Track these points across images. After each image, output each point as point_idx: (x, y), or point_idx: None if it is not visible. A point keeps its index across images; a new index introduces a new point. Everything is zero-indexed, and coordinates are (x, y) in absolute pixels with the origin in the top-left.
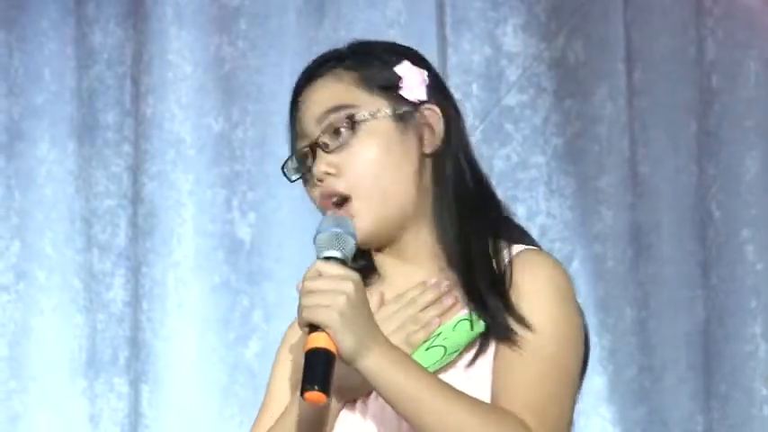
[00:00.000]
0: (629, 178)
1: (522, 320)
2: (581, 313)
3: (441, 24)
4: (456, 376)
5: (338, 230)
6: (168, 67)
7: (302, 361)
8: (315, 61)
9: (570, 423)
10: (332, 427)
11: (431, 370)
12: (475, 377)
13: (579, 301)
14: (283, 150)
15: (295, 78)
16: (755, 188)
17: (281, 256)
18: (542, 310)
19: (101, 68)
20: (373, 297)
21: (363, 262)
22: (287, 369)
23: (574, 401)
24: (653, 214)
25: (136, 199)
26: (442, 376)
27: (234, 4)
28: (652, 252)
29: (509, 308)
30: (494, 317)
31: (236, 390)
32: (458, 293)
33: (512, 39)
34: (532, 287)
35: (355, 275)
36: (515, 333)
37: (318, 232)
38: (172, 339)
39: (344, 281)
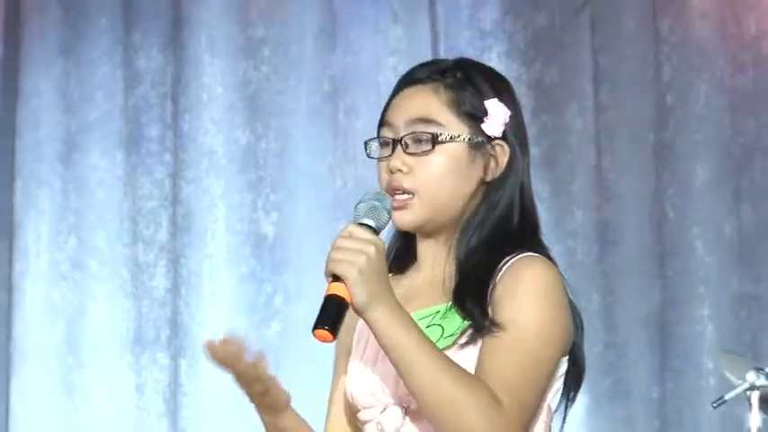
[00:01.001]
0: (597, 183)
1: (493, 321)
2: (569, 309)
3: (435, 51)
4: (449, 355)
5: (377, 204)
6: (203, 88)
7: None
8: (424, 65)
9: (539, 405)
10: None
11: None
12: (463, 361)
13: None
14: (300, 160)
15: (312, 98)
16: (704, 193)
17: (299, 250)
18: (521, 308)
19: (145, 89)
20: (406, 279)
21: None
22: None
23: (545, 387)
24: (617, 214)
25: (175, 201)
26: None
27: (258, 34)
28: (616, 247)
29: (484, 310)
30: (471, 316)
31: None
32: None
33: (496, 63)
34: (514, 288)
35: (380, 243)
36: (491, 330)
37: (360, 201)
38: (206, 321)
39: (369, 244)
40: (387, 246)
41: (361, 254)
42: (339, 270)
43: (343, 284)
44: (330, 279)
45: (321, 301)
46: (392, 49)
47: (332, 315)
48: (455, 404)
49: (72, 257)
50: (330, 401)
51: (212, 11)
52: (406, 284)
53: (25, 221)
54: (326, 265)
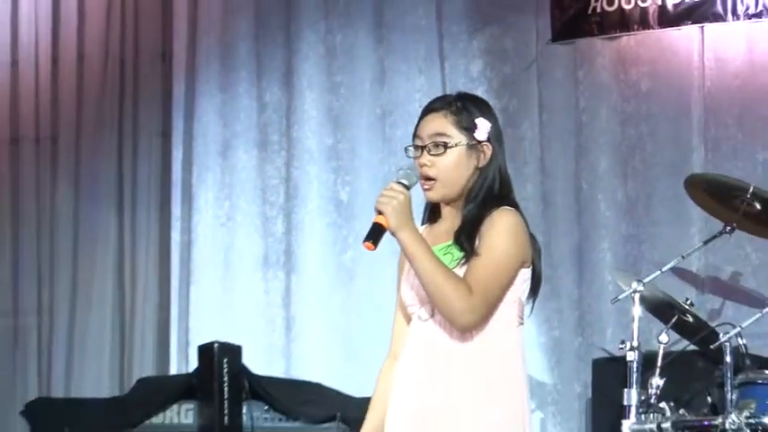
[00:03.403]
0: (540, 168)
1: (475, 251)
2: (529, 241)
3: (443, 89)
4: (454, 270)
5: (410, 172)
6: (304, 112)
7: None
8: (437, 99)
9: (498, 301)
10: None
11: None
12: (461, 273)
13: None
14: (362, 155)
15: (369, 118)
16: (605, 174)
17: (362, 209)
18: (492, 240)
19: (269, 112)
20: (435, 227)
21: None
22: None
23: (506, 284)
24: (553, 187)
25: (288, 179)
26: None
27: (338, 79)
28: (551, 206)
29: (471, 245)
30: (464, 248)
31: (340, 275)
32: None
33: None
34: (490, 227)
35: (407, 193)
36: (475, 254)
37: (400, 169)
38: (306, 252)
39: (400, 194)
40: (424, 206)
41: (394, 198)
42: (380, 206)
43: (383, 216)
44: (376, 212)
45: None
46: (418, 89)
47: (374, 234)
48: (444, 290)
49: (226, 213)
50: (396, 303)
51: (310, 64)
52: (435, 230)
53: (198, 191)
54: (375, 203)
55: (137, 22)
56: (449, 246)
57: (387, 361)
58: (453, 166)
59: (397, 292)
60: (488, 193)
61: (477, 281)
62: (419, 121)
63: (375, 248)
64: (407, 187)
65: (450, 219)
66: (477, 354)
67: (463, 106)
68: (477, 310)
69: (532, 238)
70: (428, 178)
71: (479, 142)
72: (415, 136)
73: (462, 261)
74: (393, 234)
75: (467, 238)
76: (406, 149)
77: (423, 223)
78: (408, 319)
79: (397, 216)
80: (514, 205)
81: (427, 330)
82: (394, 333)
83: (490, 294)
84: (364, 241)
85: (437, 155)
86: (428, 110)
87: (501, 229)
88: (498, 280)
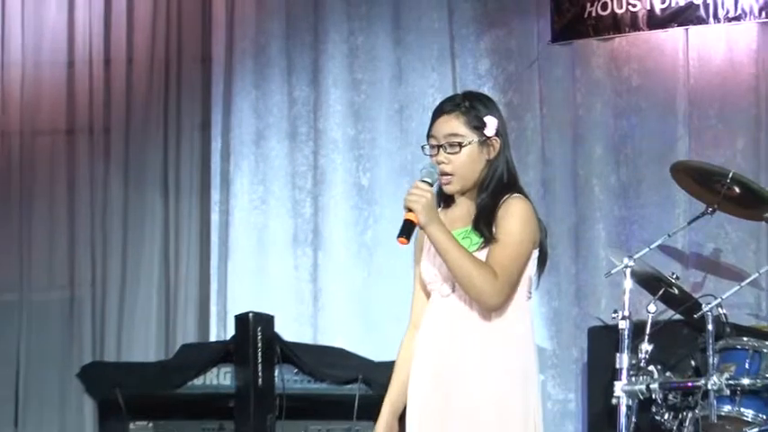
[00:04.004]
0: (541, 156)
1: (494, 237)
2: (540, 229)
3: (454, 87)
4: (474, 254)
5: (431, 170)
6: (330, 106)
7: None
8: (448, 100)
9: (518, 281)
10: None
11: None
12: (480, 257)
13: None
14: (382, 145)
15: (388, 112)
16: (599, 161)
17: (381, 194)
18: (509, 226)
19: (299, 107)
20: (449, 212)
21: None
22: (417, 250)
23: (523, 267)
24: (552, 175)
25: (315, 166)
26: None
27: (359, 77)
28: (551, 191)
29: (490, 231)
30: (483, 234)
31: (361, 253)
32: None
33: (486, 92)
34: (505, 215)
35: (432, 191)
36: (493, 240)
37: (423, 168)
38: (332, 231)
39: (427, 192)
40: (436, 192)
41: (423, 197)
42: (411, 204)
43: (413, 213)
44: (406, 210)
45: (401, 222)
46: (431, 85)
47: (406, 230)
48: (472, 275)
49: (260, 197)
50: (414, 280)
51: (335, 63)
52: (449, 215)
53: (234, 177)
54: (405, 202)
55: (180, 27)
56: (468, 231)
57: (408, 331)
58: (468, 162)
59: (415, 269)
60: (498, 183)
61: (500, 265)
62: (433, 123)
63: (408, 243)
64: (431, 184)
65: (464, 205)
66: (494, 325)
67: (471, 105)
68: (504, 292)
69: (539, 220)
70: (445, 173)
71: (488, 138)
72: (429, 136)
73: (482, 245)
74: (422, 228)
75: (485, 225)
76: (422, 148)
77: (437, 206)
78: (428, 294)
79: (426, 213)
80: (522, 192)
81: (449, 305)
82: (414, 305)
83: (512, 277)
84: (398, 237)
85: (453, 153)
86: (440, 112)
87: (516, 217)
88: (518, 263)
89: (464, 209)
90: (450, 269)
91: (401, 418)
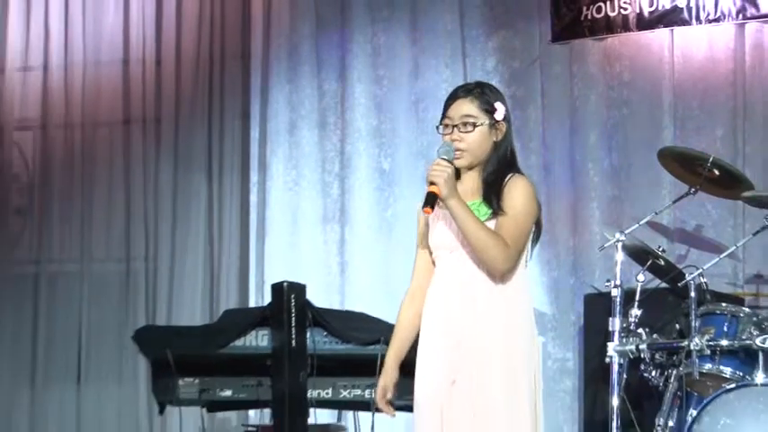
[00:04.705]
0: (541, 143)
1: (502, 209)
2: (537, 204)
3: (465, 80)
4: (485, 223)
5: (448, 148)
6: (354, 99)
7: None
8: (460, 87)
9: (525, 249)
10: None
11: None
12: (491, 227)
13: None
14: (401, 132)
15: (406, 103)
16: (594, 147)
17: (400, 176)
18: (515, 201)
19: (328, 99)
20: (458, 186)
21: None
22: (420, 224)
23: (527, 238)
24: (551, 159)
25: (342, 152)
26: None
27: (380, 73)
28: (549, 174)
29: (498, 204)
30: (492, 206)
31: (383, 229)
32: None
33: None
34: (511, 191)
35: (452, 167)
36: (502, 212)
37: (440, 147)
38: (357, 210)
39: (448, 167)
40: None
41: (444, 172)
42: (434, 178)
43: (436, 186)
44: (428, 184)
45: (425, 194)
46: (444, 80)
47: (430, 201)
48: (487, 244)
49: (293, 179)
50: (418, 246)
51: (359, 61)
52: (457, 188)
53: (271, 162)
54: (427, 176)
55: (223, 28)
56: (477, 204)
57: (406, 296)
58: (479, 141)
59: (419, 239)
60: (502, 162)
61: (510, 235)
62: (448, 105)
63: (432, 212)
64: (450, 162)
65: (470, 180)
66: (499, 286)
67: (483, 92)
68: (513, 258)
69: (537, 200)
70: (458, 149)
71: (497, 121)
72: (444, 116)
73: (490, 216)
74: (443, 201)
75: (495, 198)
76: (437, 128)
77: None
78: (432, 261)
79: (447, 186)
80: (521, 172)
81: (459, 263)
82: (416, 270)
83: (520, 245)
84: (423, 207)
85: (466, 132)
86: (455, 96)
87: (521, 192)
88: (524, 233)
89: (470, 183)
90: (467, 237)
91: (401, 366)
